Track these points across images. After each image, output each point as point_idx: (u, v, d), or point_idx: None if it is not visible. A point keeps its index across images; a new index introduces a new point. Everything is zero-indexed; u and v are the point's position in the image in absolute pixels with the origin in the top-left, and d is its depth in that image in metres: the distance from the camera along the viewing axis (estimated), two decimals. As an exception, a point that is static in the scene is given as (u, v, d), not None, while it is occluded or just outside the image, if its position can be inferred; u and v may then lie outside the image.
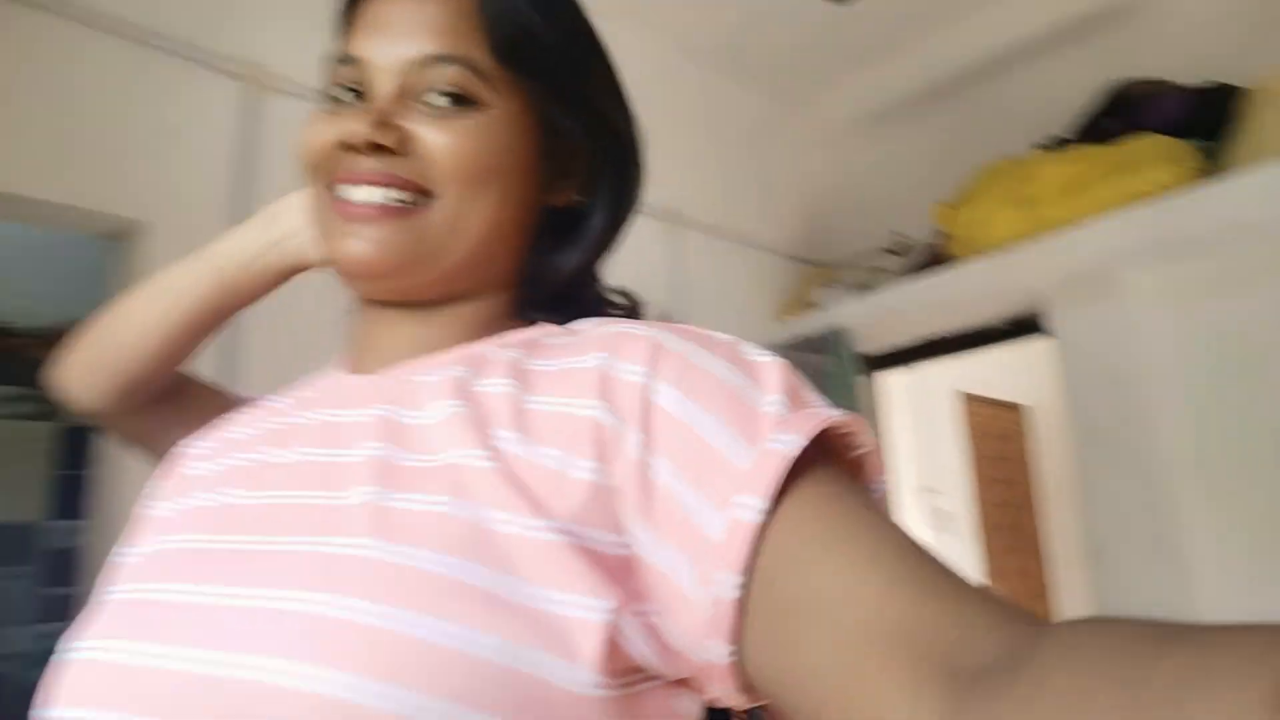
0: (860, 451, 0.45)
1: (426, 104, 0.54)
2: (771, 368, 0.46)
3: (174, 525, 0.53)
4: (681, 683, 0.44)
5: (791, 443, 0.40)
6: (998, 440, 4.39)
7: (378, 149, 0.52)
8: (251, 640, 0.40)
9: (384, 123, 0.52)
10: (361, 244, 0.52)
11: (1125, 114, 2.31)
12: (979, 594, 0.36)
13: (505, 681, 0.38)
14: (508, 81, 0.56)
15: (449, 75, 0.53)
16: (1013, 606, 0.35)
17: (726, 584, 0.38)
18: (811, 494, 0.40)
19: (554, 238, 0.62)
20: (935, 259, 2.62)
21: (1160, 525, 2.13)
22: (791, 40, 2.82)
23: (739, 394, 0.43)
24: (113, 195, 1.60)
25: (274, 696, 0.38)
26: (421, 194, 0.53)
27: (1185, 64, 2.32)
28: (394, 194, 0.53)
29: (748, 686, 0.40)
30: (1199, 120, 2.20)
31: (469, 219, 0.54)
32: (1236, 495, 2.12)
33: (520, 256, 0.61)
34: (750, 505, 0.39)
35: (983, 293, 2.47)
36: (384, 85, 0.54)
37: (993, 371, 4.31)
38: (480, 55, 0.54)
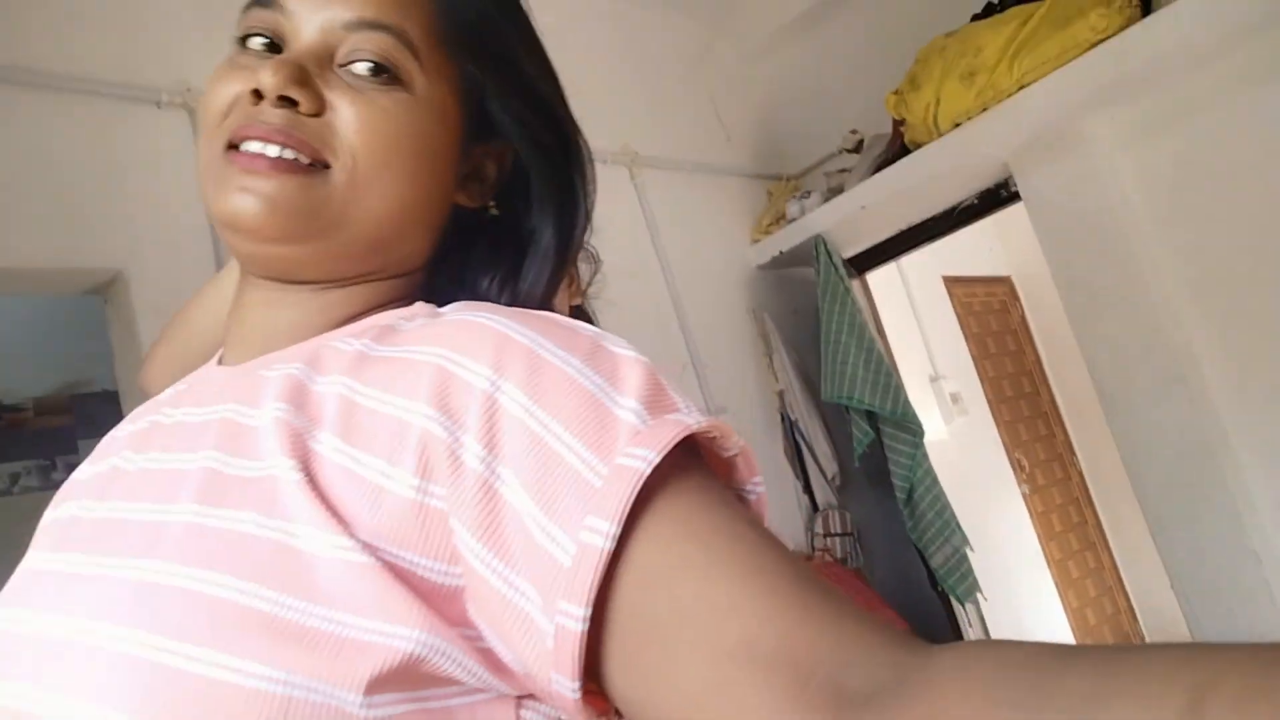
0: (731, 453, 0.42)
1: (349, 72, 0.50)
2: (632, 366, 0.42)
3: (37, 540, 0.52)
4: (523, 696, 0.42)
5: (645, 459, 0.36)
6: (993, 315, 4.44)
7: (287, 103, 0.48)
8: (50, 676, 0.39)
9: (302, 81, 0.48)
10: (251, 199, 0.47)
11: (1052, -34, 2.31)
12: (863, 615, 0.34)
13: (287, 713, 0.35)
14: (441, 64, 0.52)
15: (378, 43, 0.49)
16: (899, 630, 0.33)
17: (570, 616, 0.35)
18: (677, 509, 0.37)
19: (466, 242, 0.59)
20: (897, 149, 2.64)
21: (1166, 361, 2.17)
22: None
23: (593, 398, 0.39)
24: (91, 250, 1.60)
25: None
26: (321, 164, 0.49)
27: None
28: (290, 154, 0.48)
29: (603, 713, 0.38)
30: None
31: (370, 201, 0.50)
32: (1238, 313, 2.16)
33: (422, 254, 0.57)
34: (599, 529, 0.35)
35: (949, 172, 2.48)
36: (305, 40, 0.50)
37: (975, 250, 4.35)
38: (417, 31, 0.51)
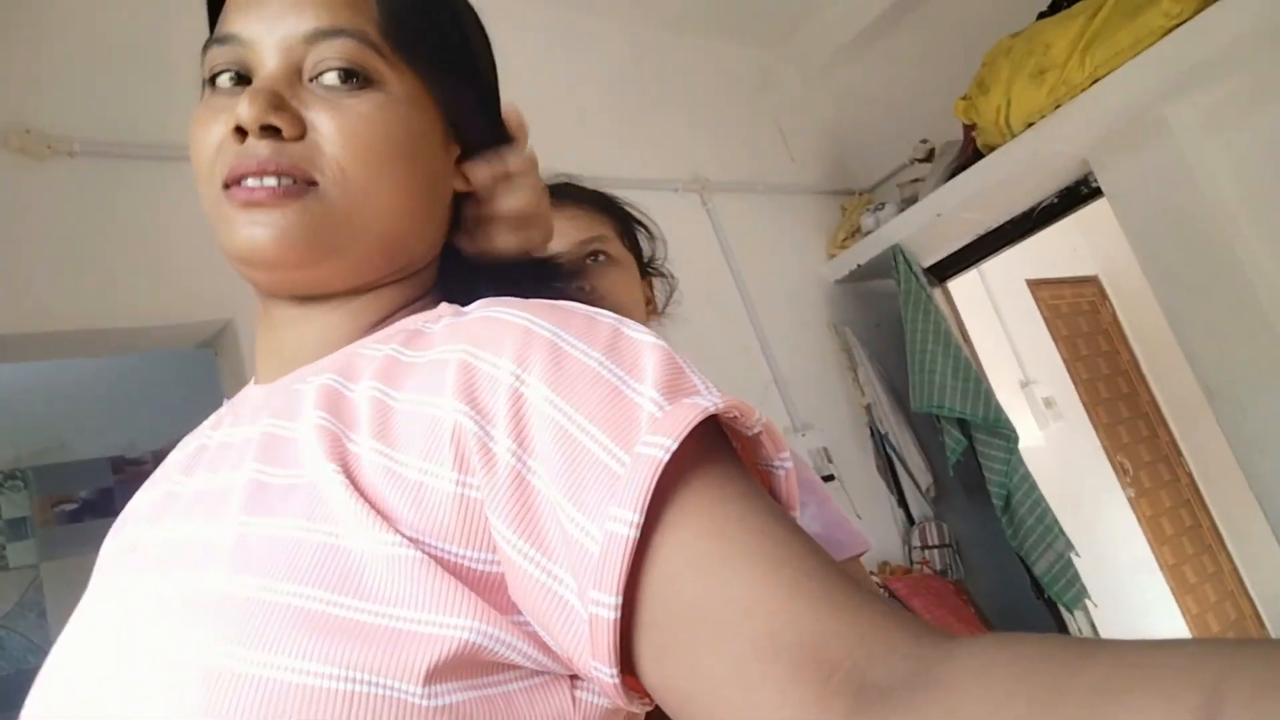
0: (755, 431, 0.42)
1: (320, 85, 0.50)
2: (651, 352, 0.42)
3: (99, 566, 0.54)
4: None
5: (663, 446, 0.36)
6: (1083, 316, 4.32)
7: (270, 132, 0.49)
8: (113, 688, 0.40)
9: (278, 105, 0.49)
10: (262, 230, 0.48)
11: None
12: (885, 608, 0.34)
13: (350, 708, 0.36)
14: (400, 60, 0.53)
15: (340, 48, 0.50)
16: (921, 622, 0.34)
17: (602, 604, 0.35)
18: (701, 500, 0.37)
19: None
20: (970, 154, 2.61)
21: (1273, 351, 2.08)
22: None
23: (614, 388, 0.40)
24: (201, 303, 1.68)
25: None
26: (313, 184, 0.50)
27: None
28: (287, 181, 0.49)
29: (642, 696, 0.39)
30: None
31: (372, 206, 0.51)
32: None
33: (436, 245, 0.58)
34: (623, 519, 0.36)
35: (1025, 172, 2.44)
36: (270, 65, 0.50)
37: (1059, 250, 4.24)
38: (373, 29, 0.51)
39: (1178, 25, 2.04)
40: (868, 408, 2.80)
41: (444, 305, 0.53)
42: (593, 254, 1.02)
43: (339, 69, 0.50)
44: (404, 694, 0.36)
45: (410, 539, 0.39)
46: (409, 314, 0.55)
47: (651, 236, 1.16)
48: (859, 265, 2.88)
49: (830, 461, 2.56)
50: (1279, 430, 2.09)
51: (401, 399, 0.44)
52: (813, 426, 2.59)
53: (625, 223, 1.09)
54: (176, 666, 0.38)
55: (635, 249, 1.09)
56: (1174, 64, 2.06)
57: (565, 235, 1.02)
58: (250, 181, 0.49)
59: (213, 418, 0.59)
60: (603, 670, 0.36)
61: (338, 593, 0.38)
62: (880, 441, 2.77)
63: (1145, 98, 2.15)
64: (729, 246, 2.71)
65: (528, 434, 0.39)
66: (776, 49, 3.21)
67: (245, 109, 0.48)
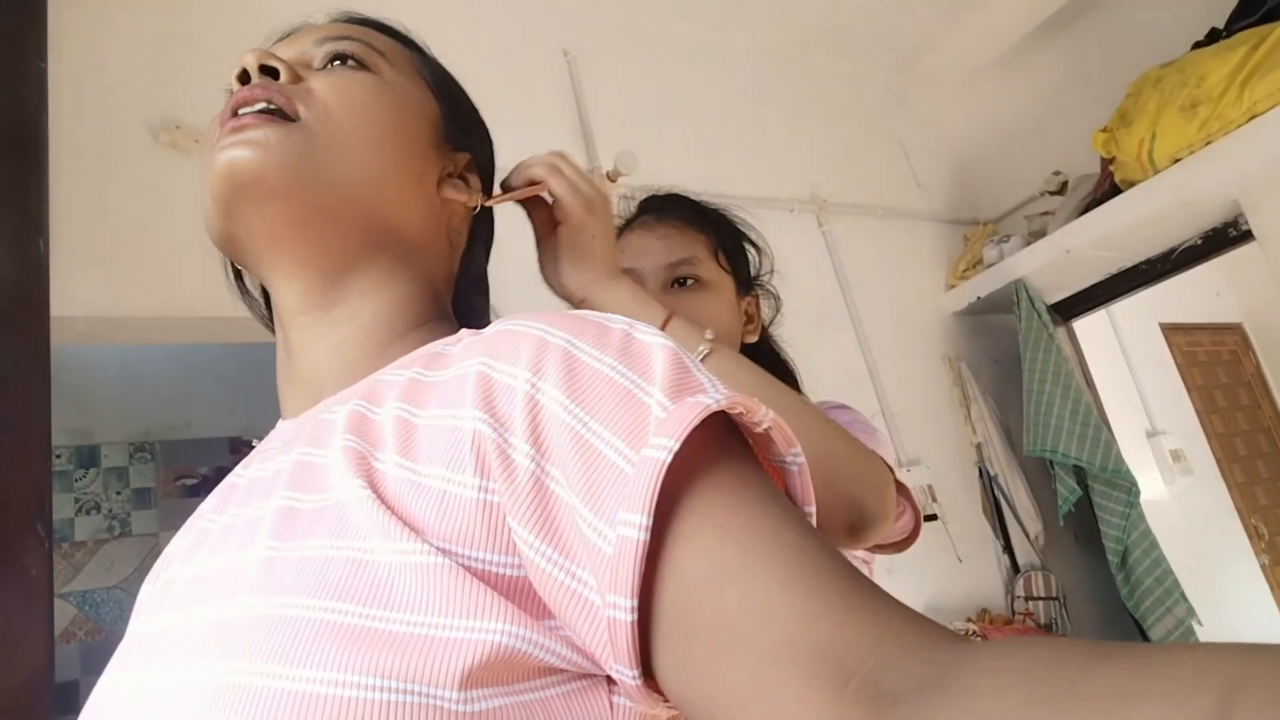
0: (764, 427, 0.42)
1: (323, 70, 0.57)
2: (658, 353, 0.42)
3: (136, 612, 0.55)
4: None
5: (665, 447, 0.37)
6: (1222, 366, 4.04)
7: (268, 74, 0.54)
8: (148, 717, 0.40)
9: (279, 58, 0.55)
10: (243, 148, 0.51)
11: (1287, -15, 2.13)
12: (900, 611, 0.34)
13: (389, 717, 0.35)
14: (411, 70, 0.60)
15: (346, 45, 0.57)
16: (936, 625, 0.34)
17: (619, 607, 0.36)
18: (712, 500, 0.38)
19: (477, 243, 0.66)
20: (1106, 189, 2.48)
21: None
22: (893, 6, 2.75)
23: (626, 392, 0.40)
24: None
25: None
26: (299, 117, 0.54)
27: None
28: (274, 106, 0.53)
29: (665, 699, 0.39)
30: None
31: (353, 155, 0.54)
32: None
33: (425, 236, 0.60)
34: (631, 522, 0.36)
35: (1167, 211, 2.30)
36: (280, 57, 0.57)
37: (1199, 294, 3.99)
38: (381, 43, 0.59)
39: (1351, 61, 1.89)
40: (978, 447, 2.68)
41: (464, 330, 0.54)
42: (680, 279, 1.00)
43: (341, 55, 0.57)
44: (441, 700, 0.36)
45: (438, 548, 0.39)
46: (428, 337, 0.56)
47: (759, 250, 1.13)
48: (979, 298, 2.77)
49: (935, 500, 2.46)
50: None
51: (424, 415, 0.45)
52: (919, 462, 2.50)
53: (724, 238, 1.07)
54: (204, 691, 0.38)
55: (734, 265, 1.06)
56: (1345, 102, 1.90)
57: (655, 257, 1.01)
58: (242, 111, 0.53)
59: (244, 461, 0.60)
60: (624, 672, 0.37)
61: (369, 605, 0.38)
62: (989, 483, 2.65)
63: (1309, 137, 2.00)
64: (843, 270, 2.65)
65: (544, 440, 0.40)
66: (907, 70, 3.13)
67: (249, 56, 0.54)
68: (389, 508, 0.41)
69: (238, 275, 0.67)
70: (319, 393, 0.55)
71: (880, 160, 3.04)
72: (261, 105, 0.53)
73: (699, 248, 1.03)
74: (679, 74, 2.57)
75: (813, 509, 0.44)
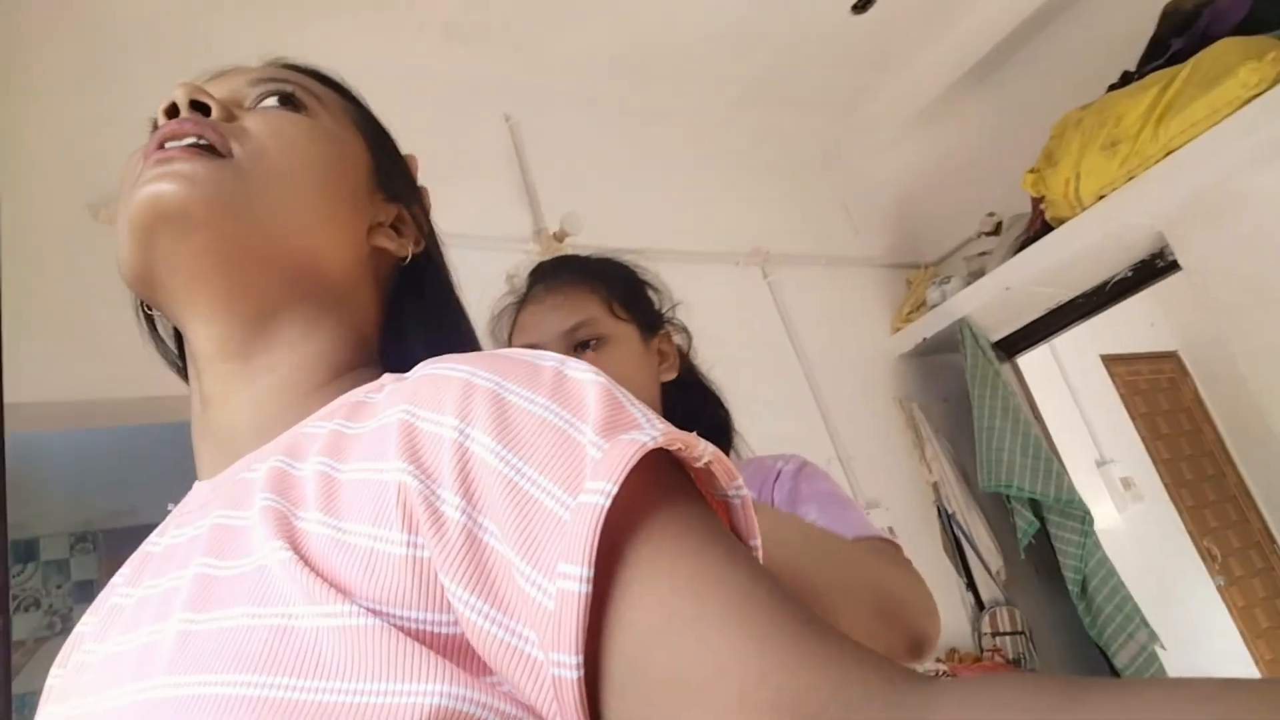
0: (704, 461, 0.39)
1: (255, 109, 0.55)
2: (589, 390, 0.40)
3: (44, 699, 0.52)
4: None
5: (602, 491, 0.34)
6: (1162, 393, 4.16)
7: (199, 110, 0.52)
8: None
9: (211, 94, 0.53)
10: (169, 182, 0.48)
11: (1188, 29, 2.25)
12: (858, 653, 0.33)
13: None
14: (341, 115, 0.59)
15: (279, 85, 0.56)
16: (896, 666, 0.33)
17: (564, 665, 0.34)
18: (656, 546, 0.36)
19: (409, 293, 0.63)
20: (1038, 227, 2.57)
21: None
22: (825, 59, 2.85)
23: (561, 433, 0.38)
24: None
25: None
26: (230, 154, 0.51)
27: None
28: (204, 141, 0.50)
29: None
30: (1267, 9, 2.12)
31: (280, 195, 0.52)
32: None
33: (354, 281, 0.58)
34: (572, 574, 0.33)
35: (1097, 246, 2.39)
36: (212, 94, 0.55)
37: (1135, 325, 4.12)
38: (312, 85, 0.58)
39: (1256, 96, 1.99)
40: (935, 486, 2.71)
41: (387, 375, 0.51)
42: (581, 343, 0.99)
43: (276, 94, 0.55)
44: None
45: (368, 609, 0.36)
46: (350, 385, 0.53)
47: (655, 289, 1.13)
48: (925, 339, 2.82)
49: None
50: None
51: (347, 470, 0.42)
52: (877, 505, 2.51)
53: (616, 288, 1.06)
54: None
55: (633, 311, 1.05)
56: (1255, 134, 2.00)
57: (551, 326, 1.00)
58: (169, 144, 0.50)
59: (160, 527, 0.56)
60: None
61: (295, 676, 0.35)
62: (948, 521, 2.67)
63: (1225, 169, 2.09)
64: (791, 320, 2.68)
65: (476, 490, 0.37)
66: (841, 122, 3.22)
67: (179, 91, 0.51)
68: (313, 569, 0.38)
69: (148, 318, 0.63)
70: (236, 448, 0.51)
71: (821, 210, 3.10)
72: (191, 140, 0.50)
73: (592, 306, 1.02)
74: (619, 135, 2.61)
75: (758, 542, 0.42)
